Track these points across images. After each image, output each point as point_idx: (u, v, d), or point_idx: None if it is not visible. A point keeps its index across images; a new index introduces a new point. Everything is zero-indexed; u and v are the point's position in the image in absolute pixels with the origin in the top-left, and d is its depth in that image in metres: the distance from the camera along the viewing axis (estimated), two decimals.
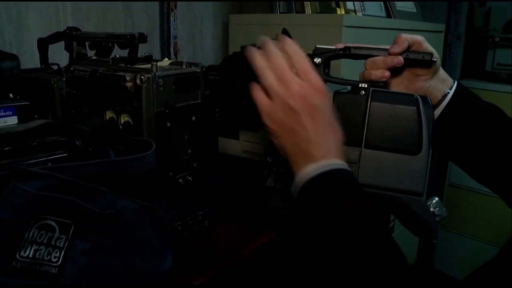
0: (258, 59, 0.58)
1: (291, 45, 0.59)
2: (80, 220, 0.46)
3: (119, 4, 1.32)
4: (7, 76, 0.79)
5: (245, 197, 0.81)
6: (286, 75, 0.56)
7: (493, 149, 0.72)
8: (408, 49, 0.71)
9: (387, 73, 0.69)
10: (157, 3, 1.41)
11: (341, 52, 0.71)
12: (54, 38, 0.88)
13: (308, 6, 1.49)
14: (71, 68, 0.72)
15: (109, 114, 0.64)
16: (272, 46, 0.58)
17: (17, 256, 0.44)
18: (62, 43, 0.86)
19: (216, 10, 1.62)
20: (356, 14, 1.54)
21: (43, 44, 0.90)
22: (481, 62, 2.22)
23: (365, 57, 0.72)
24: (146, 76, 0.59)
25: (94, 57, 0.76)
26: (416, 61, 0.71)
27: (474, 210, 2.17)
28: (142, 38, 0.65)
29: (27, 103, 0.57)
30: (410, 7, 1.92)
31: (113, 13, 1.31)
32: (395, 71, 0.72)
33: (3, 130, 0.49)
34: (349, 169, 0.56)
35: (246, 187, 0.83)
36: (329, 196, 0.53)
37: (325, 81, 0.67)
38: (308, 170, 0.54)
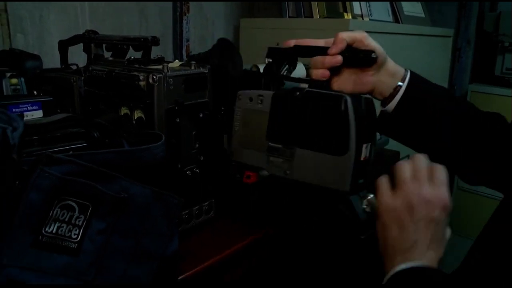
0: (404, 163, 0.63)
1: (437, 166, 0.62)
2: (97, 202, 0.52)
3: (134, 9, 1.38)
4: (31, 75, 0.85)
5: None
6: (422, 177, 0.60)
7: (446, 133, 0.74)
8: (349, 47, 0.70)
9: (327, 73, 0.70)
10: (170, 7, 1.48)
11: (289, 51, 0.73)
12: (74, 40, 0.94)
13: (316, 11, 1.54)
14: (89, 68, 0.78)
15: (123, 110, 0.70)
16: (420, 155, 0.63)
17: (43, 231, 0.50)
18: (81, 45, 0.93)
19: (228, 14, 1.68)
20: (363, 18, 1.58)
21: (64, 46, 0.97)
22: (490, 66, 2.23)
23: (310, 56, 0.72)
24: (158, 76, 0.65)
25: (111, 58, 0.82)
26: (357, 59, 0.71)
27: (483, 214, 2.19)
28: (155, 41, 0.71)
29: (51, 99, 0.64)
30: (418, 12, 1.94)
31: (128, 17, 1.37)
32: (339, 68, 0.72)
33: (30, 122, 0.55)
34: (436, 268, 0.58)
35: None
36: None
37: (280, 79, 0.72)
38: (401, 266, 0.57)
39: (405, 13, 1.84)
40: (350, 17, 1.52)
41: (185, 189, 0.70)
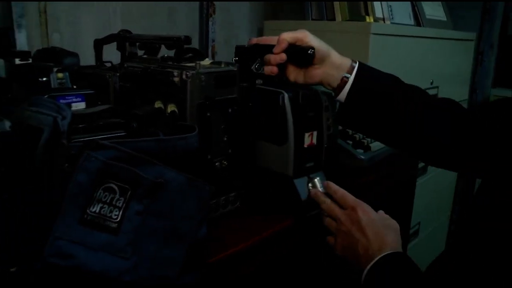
0: (325, 220, 0.80)
1: (334, 189, 0.80)
2: (136, 185, 0.57)
3: (163, 10, 1.44)
4: (69, 71, 0.91)
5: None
6: (334, 214, 0.78)
7: (394, 119, 0.80)
8: (292, 46, 0.78)
9: (275, 69, 0.79)
10: (197, 9, 1.53)
11: (250, 50, 0.84)
12: (109, 39, 1.00)
13: (338, 14, 1.57)
14: (125, 65, 0.84)
15: (157, 104, 0.74)
16: (324, 199, 0.81)
17: (88, 210, 0.55)
18: (113, 43, 0.98)
19: (252, 16, 1.73)
20: (384, 22, 1.60)
21: (99, 44, 1.02)
22: None
23: (263, 54, 0.81)
24: (191, 72, 0.70)
25: (145, 56, 0.87)
26: (297, 56, 0.79)
27: None
28: (187, 40, 0.76)
29: (93, 91, 0.69)
30: (440, 15, 1.96)
31: (158, 17, 1.43)
32: (287, 64, 0.82)
33: (75, 112, 0.61)
34: (401, 251, 0.72)
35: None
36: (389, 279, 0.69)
37: (248, 75, 0.82)
38: (368, 266, 0.70)
39: (427, 16, 1.86)
40: (371, 20, 1.55)
41: (213, 179, 0.74)
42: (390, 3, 1.65)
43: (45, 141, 0.56)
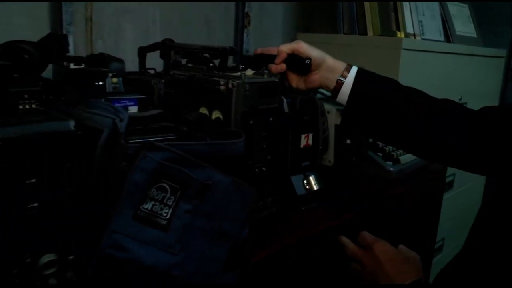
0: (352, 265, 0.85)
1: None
2: (186, 186, 0.61)
3: (200, 20, 1.50)
4: (115, 76, 0.95)
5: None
6: (357, 256, 0.83)
7: (396, 122, 0.84)
8: (291, 56, 0.86)
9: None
10: (233, 20, 1.58)
11: (255, 59, 0.92)
12: (153, 47, 1.05)
13: (370, 28, 1.60)
14: (171, 72, 0.88)
15: (202, 110, 0.79)
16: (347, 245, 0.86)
17: (141, 207, 0.59)
18: (155, 51, 1.03)
19: (285, 28, 1.77)
20: (415, 37, 1.62)
21: (143, 52, 1.07)
22: None
23: (266, 63, 0.88)
24: (236, 82, 0.73)
25: (190, 65, 0.91)
26: (296, 66, 0.87)
27: None
28: (232, 51, 0.80)
29: (145, 96, 0.73)
30: (470, 32, 1.97)
31: (195, 27, 1.49)
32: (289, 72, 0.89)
33: (130, 115, 0.65)
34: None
35: None
36: None
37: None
38: None
39: (457, 33, 1.87)
40: (402, 35, 1.57)
41: (252, 184, 0.77)
42: (421, 18, 1.68)
43: (105, 141, 0.60)
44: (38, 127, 0.56)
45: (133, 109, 0.71)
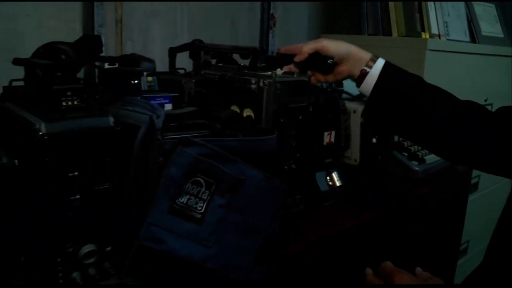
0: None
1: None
2: (220, 180, 0.62)
3: (226, 22, 1.52)
4: (150, 75, 0.97)
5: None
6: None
7: (417, 118, 0.85)
8: (314, 55, 0.88)
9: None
10: (258, 21, 1.60)
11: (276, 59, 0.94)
12: (183, 48, 1.07)
13: (395, 29, 1.59)
14: (202, 72, 0.90)
15: (233, 109, 0.80)
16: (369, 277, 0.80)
17: (177, 201, 0.61)
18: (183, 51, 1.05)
19: (310, 29, 1.78)
20: (440, 38, 1.61)
21: (173, 52, 1.10)
22: None
23: (288, 62, 0.90)
24: (268, 81, 0.75)
25: (220, 64, 0.94)
26: (320, 65, 0.89)
27: None
28: (263, 51, 0.82)
29: (178, 94, 0.75)
30: (497, 32, 1.94)
31: (221, 29, 1.51)
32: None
33: (166, 112, 0.67)
34: None
35: None
36: None
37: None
38: None
39: (483, 33, 1.85)
40: (427, 36, 1.56)
41: (282, 181, 0.79)
42: (446, 19, 1.67)
43: (142, 137, 0.62)
44: (80, 122, 0.59)
45: (168, 106, 0.73)
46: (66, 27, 1.16)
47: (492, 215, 2.25)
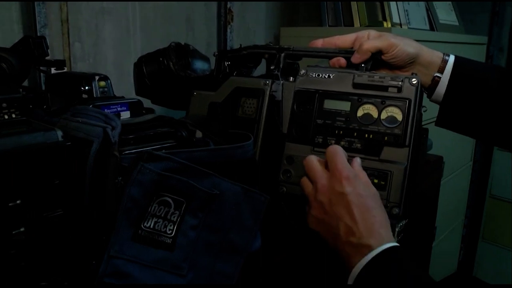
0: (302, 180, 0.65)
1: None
2: (191, 198, 0.54)
3: (181, 19, 1.43)
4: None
5: None
6: (313, 175, 0.62)
7: (499, 118, 0.73)
8: (376, 54, 0.74)
9: None
10: (215, 17, 1.52)
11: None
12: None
13: (356, 19, 1.56)
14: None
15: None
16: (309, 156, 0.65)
17: (142, 226, 0.52)
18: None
19: (268, 23, 1.71)
20: (401, 27, 1.59)
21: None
22: None
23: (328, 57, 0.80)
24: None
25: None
26: (382, 64, 0.76)
27: None
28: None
29: (137, 99, 0.66)
30: (452, 20, 1.95)
31: (176, 26, 1.42)
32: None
33: (123, 121, 0.58)
34: (395, 244, 0.57)
35: None
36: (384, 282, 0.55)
37: None
38: (357, 261, 0.56)
39: (440, 21, 1.85)
40: (389, 25, 1.54)
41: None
42: (406, 7, 1.65)
43: (95, 153, 0.53)
44: (19, 139, 0.50)
45: (125, 114, 0.64)
46: (2, 28, 1.04)
47: (456, 199, 2.27)
